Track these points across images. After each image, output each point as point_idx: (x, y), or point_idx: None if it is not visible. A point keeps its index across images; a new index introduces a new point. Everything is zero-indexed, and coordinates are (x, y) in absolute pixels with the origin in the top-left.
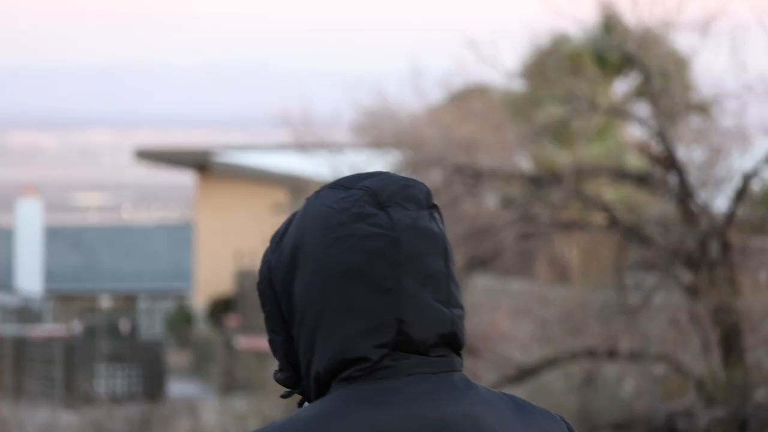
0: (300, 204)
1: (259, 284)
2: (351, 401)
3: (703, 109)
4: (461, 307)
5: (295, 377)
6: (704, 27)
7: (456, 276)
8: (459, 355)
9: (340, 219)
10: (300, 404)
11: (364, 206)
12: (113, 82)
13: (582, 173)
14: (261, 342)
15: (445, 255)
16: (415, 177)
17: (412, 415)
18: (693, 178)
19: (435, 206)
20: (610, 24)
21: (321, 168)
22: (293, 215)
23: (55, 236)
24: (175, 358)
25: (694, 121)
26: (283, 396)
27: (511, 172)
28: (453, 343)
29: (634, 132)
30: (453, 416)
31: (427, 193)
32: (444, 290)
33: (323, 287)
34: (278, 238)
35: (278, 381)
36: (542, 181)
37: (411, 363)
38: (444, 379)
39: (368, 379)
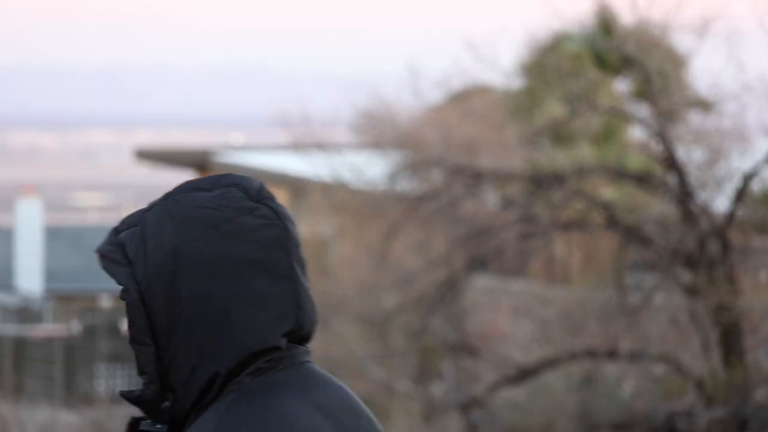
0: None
1: (127, 298)
2: (287, 387)
3: (702, 109)
4: None
5: (161, 390)
6: (703, 28)
7: None
8: None
9: (222, 215)
10: (158, 416)
11: (242, 201)
12: (113, 82)
13: (582, 173)
14: None
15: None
16: (414, 176)
17: (334, 398)
18: (693, 178)
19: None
20: (609, 24)
21: (320, 168)
22: (138, 226)
23: (55, 236)
24: None
25: (694, 121)
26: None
27: (511, 173)
28: (312, 333)
29: (636, 133)
30: (354, 401)
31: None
32: (308, 280)
33: (223, 284)
34: (137, 251)
35: (142, 396)
36: (542, 181)
37: (300, 352)
38: (318, 368)
39: (274, 370)
